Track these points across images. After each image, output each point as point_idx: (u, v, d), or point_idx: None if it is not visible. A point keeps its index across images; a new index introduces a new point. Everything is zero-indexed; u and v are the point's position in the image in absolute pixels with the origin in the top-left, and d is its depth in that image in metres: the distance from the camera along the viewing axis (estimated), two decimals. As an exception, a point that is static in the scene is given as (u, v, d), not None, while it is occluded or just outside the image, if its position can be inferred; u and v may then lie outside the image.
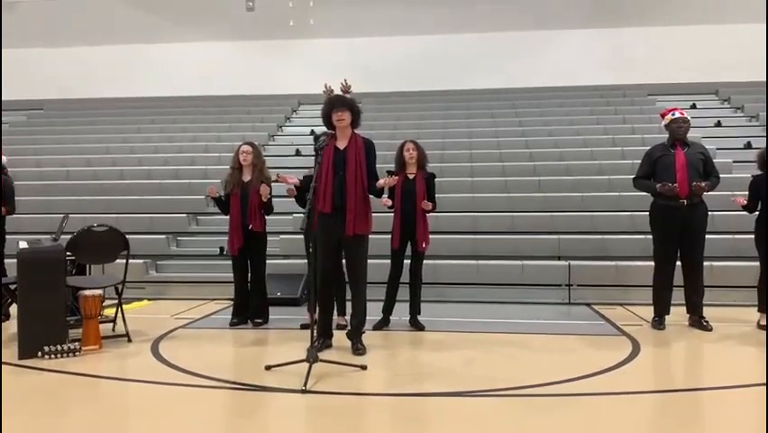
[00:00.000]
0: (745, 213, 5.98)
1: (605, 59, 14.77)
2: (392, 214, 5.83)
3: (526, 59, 14.89)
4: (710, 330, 5.62)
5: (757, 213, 5.83)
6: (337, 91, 5.21)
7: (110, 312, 5.78)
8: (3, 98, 11.70)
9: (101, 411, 3.57)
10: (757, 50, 13.71)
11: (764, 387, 3.86)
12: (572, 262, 7.63)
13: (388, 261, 5.91)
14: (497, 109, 13.59)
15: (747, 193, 5.87)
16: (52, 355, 4.64)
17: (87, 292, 5.03)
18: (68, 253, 5.23)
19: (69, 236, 5.31)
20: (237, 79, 15.48)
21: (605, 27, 14.94)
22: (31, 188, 10.15)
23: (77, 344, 4.82)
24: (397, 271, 5.90)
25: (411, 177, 5.81)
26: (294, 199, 6.05)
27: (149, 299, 7.82)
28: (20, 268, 4.76)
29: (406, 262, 5.92)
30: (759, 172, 5.87)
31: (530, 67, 14.76)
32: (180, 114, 14.70)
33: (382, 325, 5.87)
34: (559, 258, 7.94)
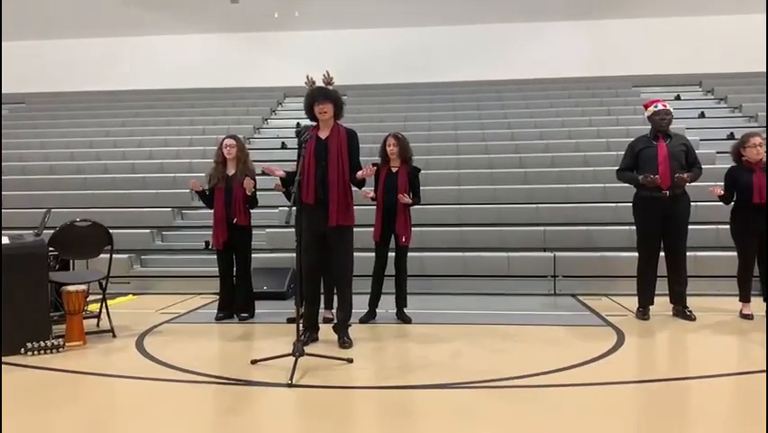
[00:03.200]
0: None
1: (589, 51, 14.81)
2: (374, 207, 5.83)
3: (512, 51, 14.90)
4: (694, 320, 5.68)
5: (732, 204, 5.89)
6: (319, 83, 5.17)
7: (94, 308, 5.73)
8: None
9: (85, 408, 3.55)
10: (740, 41, 13.83)
11: (763, 375, 3.91)
12: (558, 254, 7.68)
13: (371, 254, 5.92)
14: (482, 101, 13.60)
15: (723, 183, 5.93)
16: (35, 352, 4.60)
17: (71, 288, 4.99)
18: (50, 249, 5.18)
19: (52, 231, 5.25)
20: (222, 72, 15.38)
21: (589, 19, 14.97)
22: (13, 182, 10.03)
23: (60, 340, 4.79)
24: (380, 264, 5.90)
25: (394, 170, 5.81)
26: (282, 194, 6.02)
27: (133, 294, 7.78)
28: (1, 264, 4.71)
29: (391, 255, 5.92)
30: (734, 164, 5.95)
31: (515, 59, 14.77)
32: (165, 107, 14.57)
33: (369, 318, 5.87)
34: (545, 249, 7.98)
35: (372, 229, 5.85)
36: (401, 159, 5.84)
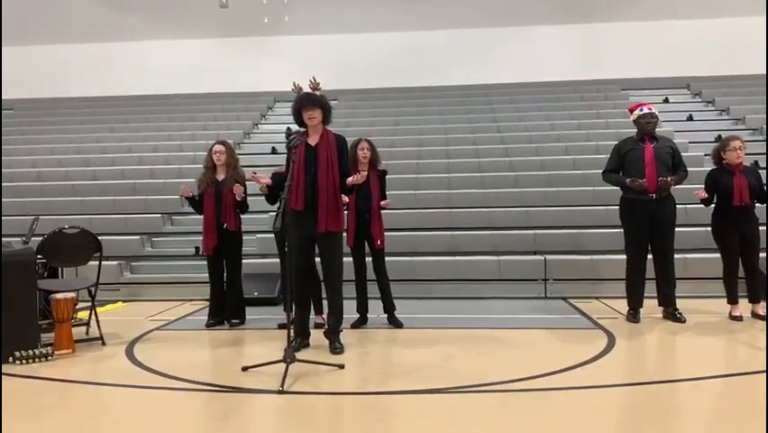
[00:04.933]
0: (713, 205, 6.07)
1: (578, 55, 14.91)
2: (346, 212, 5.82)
3: (501, 56, 14.97)
4: (684, 322, 5.70)
5: (713, 206, 5.94)
6: (306, 89, 5.16)
7: (84, 315, 5.69)
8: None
9: (74, 417, 3.52)
10: (728, 44, 13.95)
11: (755, 376, 3.92)
12: (548, 257, 7.70)
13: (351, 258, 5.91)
14: (472, 105, 13.64)
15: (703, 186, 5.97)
16: (24, 361, 4.56)
17: (60, 295, 4.95)
18: (39, 256, 5.14)
19: (40, 239, 5.21)
20: (212, 77, 15.36)
21: (578, 23, 15.07)
22: (1, 189, 9.94)
23: (49, 348, 4.74)
24: (359, 268, 5.90)
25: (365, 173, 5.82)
26: (264, 197, 6.00)
27: (123, 301, 7.73)
28: (1, 270, 4.66)
29: (368, 260, 5.93)
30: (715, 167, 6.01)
31: (505, 63, 14.84)
32: (154, 112, 14.52)
33: (360, 323, 5.86)
34: (535, 253, 8.00)
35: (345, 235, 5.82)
36: (371, 164, 5.85)
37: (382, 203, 5.77)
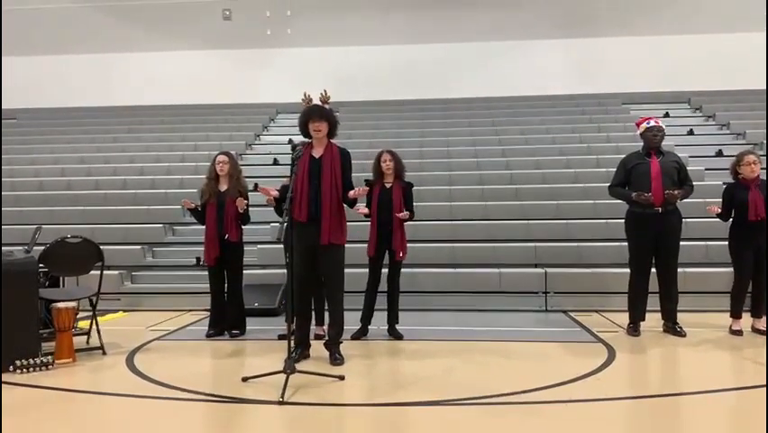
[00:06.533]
0: (717, 220, 6.08)
1: (579, 69, 14.97)
2: (369, 223, 5.85)
3: (503, 69, 15.04)
4: (684, 336, 5.70)
5: (731, 221, 5.95)
6: (316, 101, 5.19)
7: (84, 324, 5.69)
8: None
9: (74, 427, 3.52)
10: (728, 59, 14.03)
11: (755, 390, 3.92)
12: (549, 270, 7.70)
13: (365, 270, 5.93)
14: (474, 118, 13.69)
15: (721, 201, 5.99)
16: (24, 370, 4.57)
17: (61, 305, 4.96)
18: (41, 265, 5.15)
19: (42, 248, 5.23)
20: (214, 88, 15.42)
21: (579, 37, 15.14)
22: (3, 198, 9.97)
23: (50, 357, 4.75)
24: (374, 279, 5.90)
25: (388, 186, 5.84)
26: (273, 209, 6.02)
27: (124, 311, 7.73)
28: (1, 281, 4.67)
29: (384, 271, 5.93)
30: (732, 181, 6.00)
31: (506, 76, 14.90)
32: (157, 123, 14.58)
33: (360, 334, 5.86)
34: (536, 265, 8.00)
35: (366, 245, 5.86)
36: (395, 174, 5.87)
37: (398, 215, 5.73)
